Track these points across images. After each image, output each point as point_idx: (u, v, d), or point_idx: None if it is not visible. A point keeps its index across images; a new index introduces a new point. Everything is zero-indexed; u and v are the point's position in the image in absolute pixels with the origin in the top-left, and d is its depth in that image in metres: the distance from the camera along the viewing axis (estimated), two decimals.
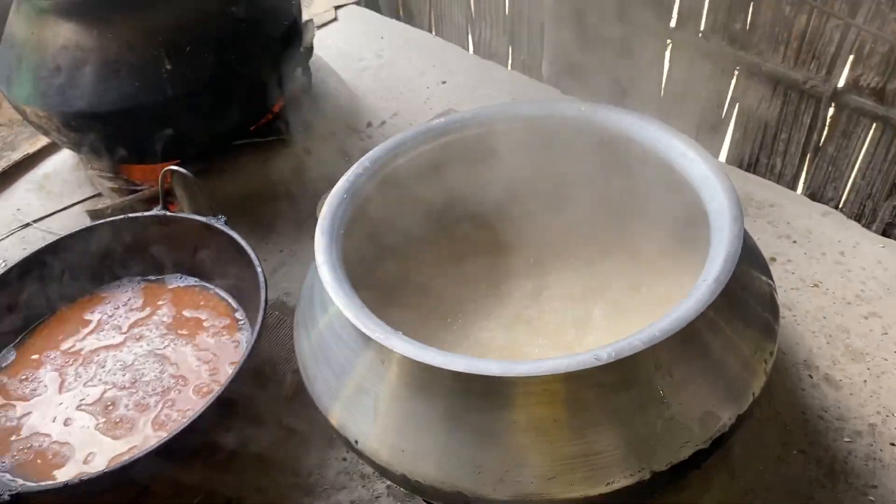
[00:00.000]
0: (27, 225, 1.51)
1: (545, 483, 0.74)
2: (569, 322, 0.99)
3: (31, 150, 1.66)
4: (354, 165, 0.98)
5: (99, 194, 1.54)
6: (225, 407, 1.00)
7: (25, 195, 1.59)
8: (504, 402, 0.76)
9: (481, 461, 0.76)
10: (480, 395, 0.76)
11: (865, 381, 1.08)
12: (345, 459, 1.08)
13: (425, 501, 1.01)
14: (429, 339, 0.80)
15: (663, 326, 0.74)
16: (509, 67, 2.12)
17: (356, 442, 0.82)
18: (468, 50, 2.20)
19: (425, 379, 0.78)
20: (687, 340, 0.76)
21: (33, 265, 1.21)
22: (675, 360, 0.77)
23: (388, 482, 1.00)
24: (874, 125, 1.48)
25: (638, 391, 0.76)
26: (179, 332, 1.19)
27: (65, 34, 1.30)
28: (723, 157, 1.81)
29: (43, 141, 1.67)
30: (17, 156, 1.65)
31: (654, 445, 0.75)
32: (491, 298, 1.06)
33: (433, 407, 0.78)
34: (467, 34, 2.25)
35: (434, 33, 2.19)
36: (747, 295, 0.85)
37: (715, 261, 0.80)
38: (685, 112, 1.80)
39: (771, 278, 0.92)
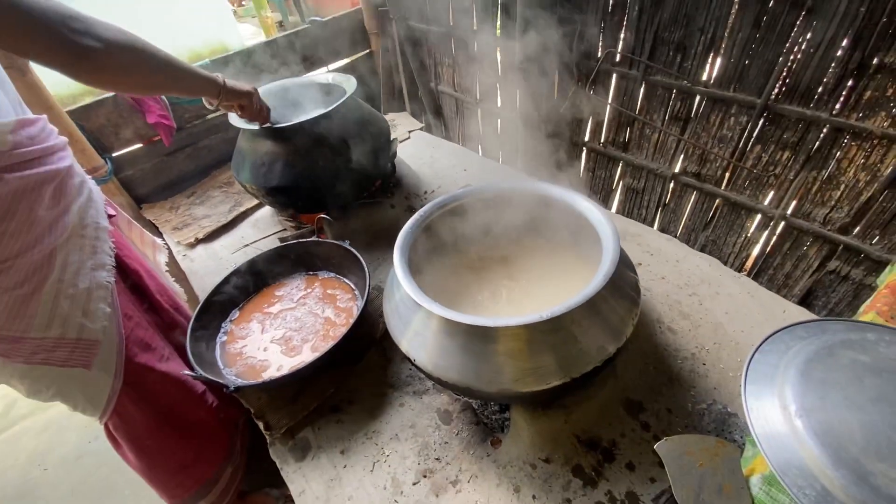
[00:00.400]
0: (247, 245, 1.50)
1: (514, 383, 0.74)
2: (526, 299, 0.98)
3: (250, 205, 1.66)
4: (416, 214, 0.97)
5: (284, 229, 1.53)
6: (350, 340, 1.00)
7: (246, 229, 1.58)
8: (492, 340, 0.75)
9: (479, 371, 0.76)
10: (479, 336, 0.76)
11: (689, 329, 1.05)
12: (410, 369, 1.07)
13: (452, 392, 1.01)
14: (453, 306, 0.80)
15: (577, 300, 0.73)
16: (500, 162, 2.03)
17: (415, 360, 0.82)
18: (478, 153, 2.16)
19: (450, 327, 0.78)
20: (590, 306, 0.75)
21: (251, 265, 1.21)
22: (583, 317, 0.75)
23: (432, 382, 0.96)
24: (695, 192, 1.42)
25: (563, 334, 0.75)
26: (325, 301, 1.18)
27: (266, 146, 1.29)
28: (613, 209, 1.74)
29: (254, 201, 1.66)
30: (242, 209, 1.65)
31: (572, 363, 0.74)
32: (486, 285, 1.04)
33: (455, 342, 0.78)
34: (478, 144, 2.22)
35: (461, 144, 2.14)
36: (622, 282, 0.83)
37: (605, 264, 0.79)
38: (592, 184, 1.80)
39: (636, 273, 0.89)
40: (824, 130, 1.04)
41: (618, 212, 1.70)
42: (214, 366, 1.04)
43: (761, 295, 1.10)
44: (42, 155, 0.84)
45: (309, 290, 1.24)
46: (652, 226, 1.56)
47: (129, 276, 1.08)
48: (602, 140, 1.60)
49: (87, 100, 1.62)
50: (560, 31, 1.39)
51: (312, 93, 1.48)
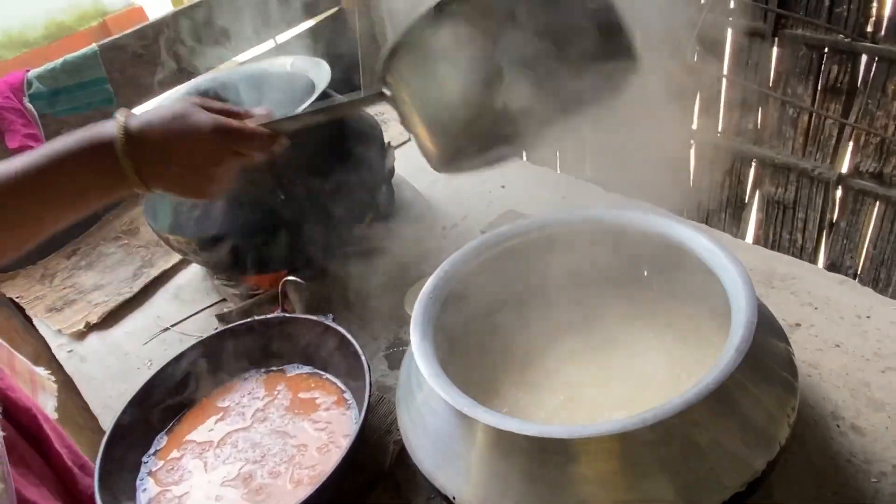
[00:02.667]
0: (166, 329, 1.56)
1: None
2: (615, 394, 1.02)
3: (166, 266, 1.75)
4: (437, 270, 1.04)
5: (224, 300, 1.61)
6: (344, 475, 1.03)
7: (163, 304, 1.66)
8: (570, 459, 0.81)
9: None
10: (551, 454, 0.81)
11: (887, 427, 1.08)
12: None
13: None
14: (502, 398, 0.88)
15: (698, 390, 0.79)
16: (558, 171, 2.17)
17: (454, 498, 0.85)
18: (522, 157, 2.25)
19: (505, 443, 0.83)
20: (719, 399, 0.81)
21: (178, 366, 1.26)
22: (709, 417, 0.81)
23: None
24: (877, 202, 1.52)
25: (679, 445, 0.80)
26: (296, 411, 1.23)
27: None
28: (749, 236, 1.84)
29: (175, 258, 1.74)
30: (155, 272, 1.75)
31: (698, 492, 0.79)
32: (552, 374, 1.09)
33: (513, 465, 0.83)
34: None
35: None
36: (767, 358, 0.89)
37: (736, 331, 0.85)
38: (712, 199, 1.90)
39: (788, 343, 0.95)
40: None
41: (755, 240, 1.81)
42: None
43: None
44: None
45: (270, 397, 1.30)
46: (814, 261, 1.67)
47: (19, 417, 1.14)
48: (719, 128, 1.74)
49: None
50: None
51: (263, 89, 1.60)
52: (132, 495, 1.16)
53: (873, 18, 1.37)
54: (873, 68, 1.41)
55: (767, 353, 0.92)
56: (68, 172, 0.72)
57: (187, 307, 1.65)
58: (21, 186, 0.69)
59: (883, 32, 1.36)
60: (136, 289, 1.75)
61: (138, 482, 1.19)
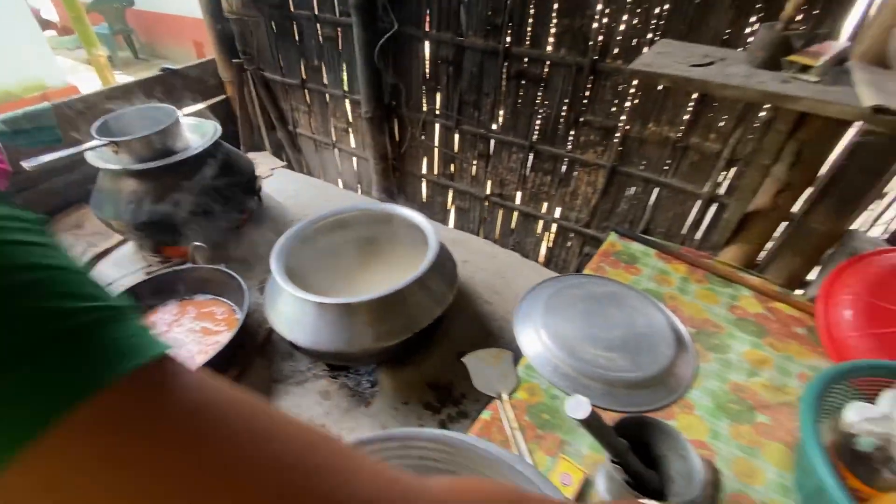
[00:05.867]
0: (110, 284, 1.46)
1: (375, 342, 0.97)
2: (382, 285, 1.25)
3: (108, 244, 1.63)
4: (289, 230, 1.17)
5: (149, 265, 1.54)
6: (234, 347, 1.13)
7: (107, 269, 1.55)
8: (355, 313, 0.98)
9: (349, 338, 0.98)
10: (346, 312, 0.98)
11: (500, 302, 1.38)
12: (292, 365, 1.22)
13: (331, 360, 1.18)
14: (324, 291, 1.03)
15: (410, 279, 1.02)
16: (359, 193, 2.28)
17: (297, 342, 1.00)
18: (339, 186, 2.35)
19: (323, 309, 0.98)
20: (420, 283, 1.03)
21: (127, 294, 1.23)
22: (416, 291, 1.02)
23: (312, 361, 1.16)
24: (501, 208, 1.91)
25: (402, 302, 1.00)
26: (201, 319, 1.26)
27: (131, 185, 1.35)
28: (451, 225, 2.05)
29: (112, 240, 1.64)
30: (98, 249, 1.62)
31: (412, 322, 1.00)
32: (352, 278, 1.28)
33: (327, 320, 0.99)
34: (338, 179, 2.40)
35: (323, 180, 2.32)
36: (443, 268, 1.12)
37: (429, 255, 1.08)
38: (433, 208, 2.17)
39: (455, 263, 1.20)
40: (565, 161, 1.56)
41: (455, 227, 2.06)
42: None
43: (545, 273, 1.56)
44: None
45: (182, 314, 1.29)
46: (477, 235, 1.96)
47: None
48: (436, 172, 1.98)
49: None
50: (390, 92, 1.76)
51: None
52: None
53: (495, 123, 1.67)
54: (495, 145, 1.71)
55: (444, 266, 1.18)
56: None
57: (125, 270, 1.56)
58: None
59: (499, 129, 1.67)
60: (86, 259, 1.61)
61: None
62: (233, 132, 2.52)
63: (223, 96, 2.47)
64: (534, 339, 0.97)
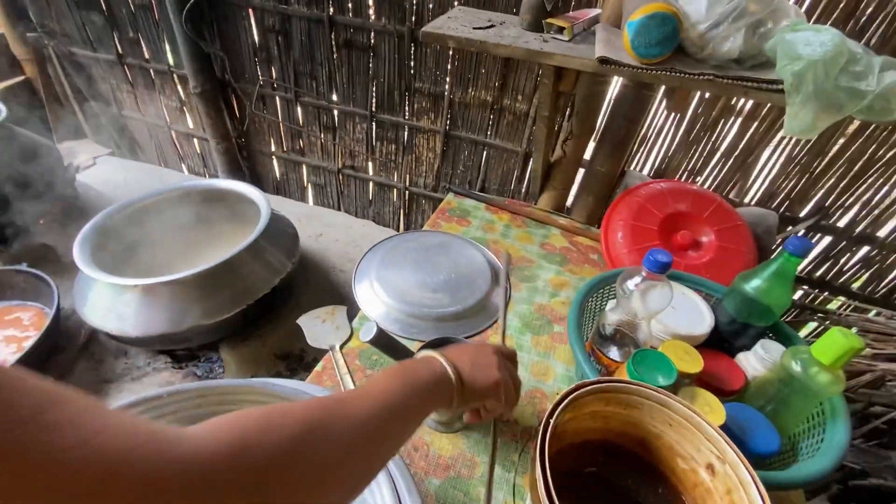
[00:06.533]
0: None
1: (203, 318, 0.94)
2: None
3: None
4: (88, 223, 1.08)
5: None
6: (43, 350, 1.02)
7: None
8: (178, 289, 0.94)
9: (173, 318, 0.93)
10: (166, 292, 0.93)
11: (352, 269, 1.45)
12: (126, 362, 1.12)
13: (159, 346, 1.13)
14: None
15: (236, 249, 1.00)
16: (205, 177, 2.16)
17: (114, 332, 0.94)
18: (183, 171, 2.18)
19: (141, 292, 0.93)
20: (251, 252, 1.02)
21: None
22: (248, 259, 1.01)
23: (141, 351, 1.09)
24: (355, 180, 1.95)
25: (231, 273, 0.98)
26: (3, 327, 1.13)
27: None
28: (310, 202, 1.99)
29: None
30: None
31: (245, 293, 0.99)
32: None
33: (150, 303, 0.94)
34: (182, 164, 2.19)
35: (163, 165, 2.13)
36: (280, 237, 1.11)
37: (260, 225, 1.07)
38: (289, 186, 2.12)
39: (295, 231, 1.19)
40: (406, 129, 1.63)
41: (314, 204, 2.03)
42: None
43: None
44: None
45: None
46: (337, 210, 1.96)
47: None
48: (284, 149, 1.92)
49: None
50: (220, 65, 1.65)
51: None
52: None
53: (335, 93, 1.67)
54: (339, 117, 1.71)
55: (281, 234, 1.16)
56: (426, 405, 0.46)
57: None
58: (397, 415, 0.41)
59: (339, 100, 1.67)
60: None
61: None
62: (41, 118, 2.15)
63: (21, 77, 2.09)
64: (369, 292, 1.02)
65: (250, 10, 1.54)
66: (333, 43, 1.50)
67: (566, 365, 0.91)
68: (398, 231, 1.85)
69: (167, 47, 1.78)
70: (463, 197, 1.34)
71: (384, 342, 0.63)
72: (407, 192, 1.79)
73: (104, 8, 1.78)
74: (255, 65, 1.67)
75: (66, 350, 1.16)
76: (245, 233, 1.27)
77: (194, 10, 1.49)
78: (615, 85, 1.17)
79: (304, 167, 1.93)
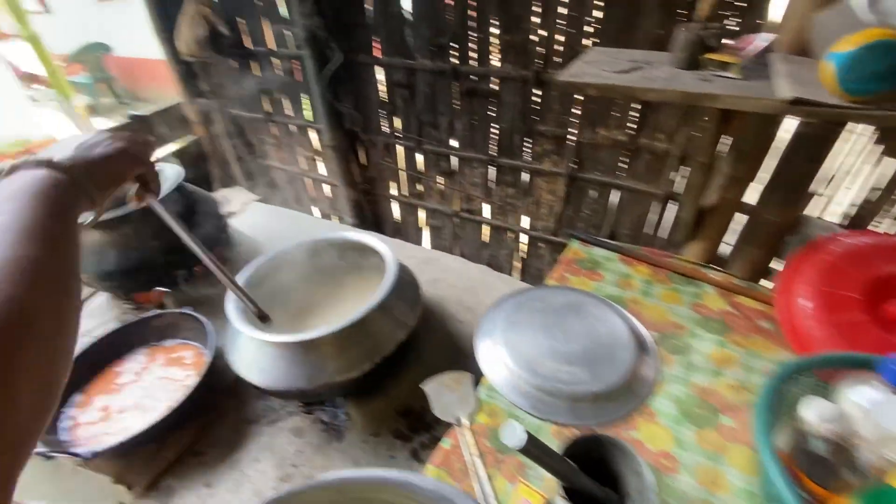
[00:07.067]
0: (84, 336, 1.45)
1: (335, 375, 0.93)
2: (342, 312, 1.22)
3: (84, 295, 1.60)
4: (243, 270, 1.15)
5: (123, 312, 1.51)
6: (202, 390, 1.07)
7: (83, 319, 1.56)
8: (312, 349, 0.94)
9: (308, 374, 0.93)
10: (303, 348, 0.94)
11: (471, 319, 1.34)
12: (264, 404, 1.17)
13: (296, 399, 1.14)
14: (286, 328, 1.00)
15: (368, 306, 0.97)
16: (333, 220, 2.29)
17: (258, 383, 0.96)
18: (313, 214, 2.38)
19: (280, 349, 0.95)
20: (380, 309, 0.98)
21: (87, 352, 1.21)
22: (376, 318, 0.97)
23: (278, 400, 1.13)
24: (470, 223, 1.94)
25: (362, 330, 0.95)
26: (170, 365, 1.22)
27: (94, 235, 1.33)
28: (426, 244, 2.04)
29: (89, 289, 1.62)
30: None
31: (374, 350, 0.96)
32: (312, 312, 1.22)
33: (286, 359, 0.95)
34: (311, 207, 2.42)
35: (298, 209, 2.34)
36: (404, 290, 1.08)
37: (387, 280, 1.04)
38: (406, 228, 2.18)
39: (417, 282, 1.16)
40: (525, 172, 1.56)
41: (432, 247, 2.06)
42: (64, 445, 1.04)
43: (517, 286, 1.54)
44: None
45: (151, 361, 1.26)
46: (451, 253, 1.92)
47: None
48: (404, 193, 1.98)
49: None
50: (349, 119, 1.77)
51: None
52: (54, 430, 1.09)
53: (455, 140, 1.68)
54: (458, 163, 1.72)
55: (405, 287, 1.13)
56: (54, 216, 0.38)
57: (99, 319, 1.52)
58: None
59: (458, 146, 1.68)
60: None
61: (59, 423, 1.11)
62: (205, 171, 2.53)
63: (193, 137, 2.48)
64: (494, 358, 0.95)
65: (379, 68, 1.63)
66: (456, 92, 1.50)
67: (743, 473, 0.73)
68: (511, 275, 1.77)
69: (306, 106, 1.97)
70: (590, 245, 1.22)
71: (536, 450, 0.55)
72: (524, 235, 1.71)
73: (256, 74, 2.03)
74: (380, 117, 1.76)
75: (217, 389, 1.25)
76: (367, 281, 1.29)
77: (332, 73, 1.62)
78: (793, 122, 0.97)
79: (421, 210, 1.97)
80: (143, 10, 2.07)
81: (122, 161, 0.52)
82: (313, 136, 2.07)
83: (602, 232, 1.48)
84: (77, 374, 1.20)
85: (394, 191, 2.00)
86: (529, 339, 0.96)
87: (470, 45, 1.37)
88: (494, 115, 1.49)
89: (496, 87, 1.43)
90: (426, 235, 2.05)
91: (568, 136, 1.37)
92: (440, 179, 1.79)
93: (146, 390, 1.18)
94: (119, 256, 1.36)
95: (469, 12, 1.29)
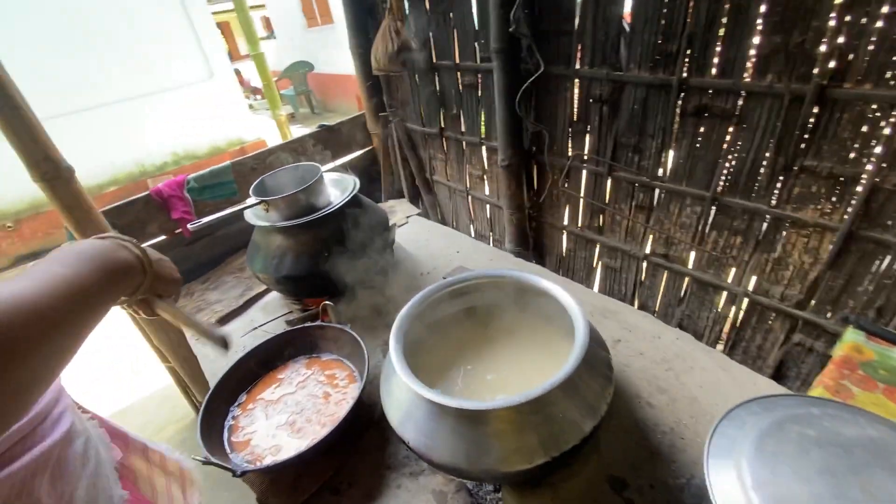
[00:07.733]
0: (255, 328, 1.54)
1: (500, 463, 0.77)
2: (509, 379, 1.01)
3: (259, 289, 1.72)
4: (410, 301, 1.03)
5: (290, 312, 1.58)
6: (348, 424, 1.03)
7: (255, 313, 1.63)
8: (481, 422, 0.78)
9: (469, 452, 0.78)
10: (469, 419, 0.79)
11: (667, 404, 1.07)
12: (406, 451, 1.07)
13: (444, 472, 0.99)
14: (443, 385, 0.85)
15: (555, 380, 0.78)
16: (490, 243, 2.19)
17: (408, 442, 0.84)
18: (470, 235, 2.30)
19: (441, 410, 0.81)
20: (567, 386, 0.79)
21: (258, 351, 1.24)
22: (561, 397, 0.79)
23: (426, 463, 0.98)
24: (665, 271, 1.51)
25: (544, 414, 0.78)
26: (325, 383, 1.19)
27: (277, 240, 1.40)
28: (595, 287, 1.81)
29: (264, 286, 1.73)
30: (252, 293, 1.72)
31: (553, 442, 0.77)
32: (474, 364, 1.06)
33: (445, 424, 0.81)
34: (470, 227, 2.34)
35: (455, 227, 2.29)
36: (596, 361, 0.87)
37: (577, 346, 0.84)
38: (573, 263, 1.91)
39: (608, 352, 0.93)
40: (767, 219, 1.16)
41: (599, 290, 1.78)
42: (222, 452, 1.06)
43: (733, 368, 1.15)
44: (28, 433, 0.55)
45: (309, 373, 1.26)
46: (632, 303, 1.65)
47: None
48: (579, 224, 1.72)
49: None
50: (531, 137, 1.58)
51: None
52: (220, 430, 1.12)
53: (661, 169, 1.39)
54: (662, 196, 1.42)
55: (596, 358, 0.91)
56: (105, 291, 0.52)
57: (269, 315, 1.63)
58: (74, 297, 0.46)
59: (667, 176, 1.37)
60: (241, 303, 1.73)
61: (225, 423, 1.15)
62: (376, 181, 2.62)
63: (369, 148, 2.60)
64: (737, 493, 0.64)
65: (576, 81, 1.41)
66: (678, 110, 1.19)
67: None
68: (714, 347, 1.36)
69: (482, 122, 1.85)
70: (885, 342, 0.80)
71: None
72: (745, 298, 1.30)
73: (437, 89, 1.99)
74: (567, 136, 1.54)
75: (362, 420, 1.17)
76: (539, 330, 1.09)
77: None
78: None
79: (597, 246, 1.68)
80: (344, 31, 2.21)
81: (173, 287, 0.70)
82: (484, 153, 1.94)
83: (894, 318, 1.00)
84: (246, 370, 1.25)
85: (566, 221, 1.75)
86: (800, 489, 0.63)
87: (715, 50, 1.05)
88: (730, 141, 1.14)
89: (739, 105, 1.08)
90: (598, 276, 1.75)
91: (858, 178, 0.95)
92: (631, 214, 1.48)
93: (300, 405, 1.17)
94: (295, 263, 1.41)
95: (722, 5, 0.98)
